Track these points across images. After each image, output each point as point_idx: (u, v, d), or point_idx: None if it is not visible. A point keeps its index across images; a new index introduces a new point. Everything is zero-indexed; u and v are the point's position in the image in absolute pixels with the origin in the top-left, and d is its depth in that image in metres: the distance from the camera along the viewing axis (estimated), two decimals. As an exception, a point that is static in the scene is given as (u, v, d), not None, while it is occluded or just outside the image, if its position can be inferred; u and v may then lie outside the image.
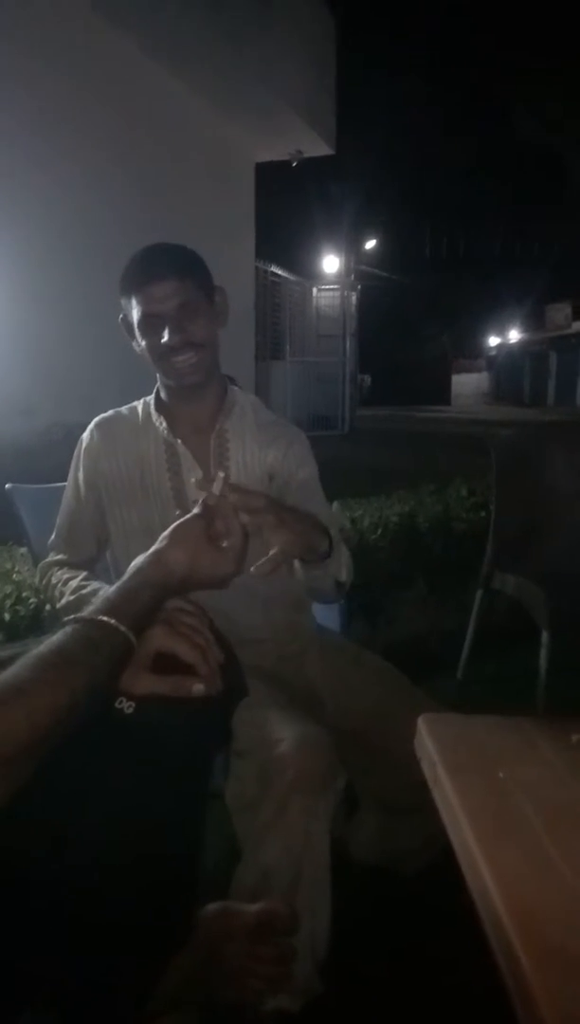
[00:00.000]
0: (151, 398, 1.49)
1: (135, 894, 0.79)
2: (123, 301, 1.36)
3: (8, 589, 2.16)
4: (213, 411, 1.46)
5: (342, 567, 1.31)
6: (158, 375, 1.43)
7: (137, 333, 1.35)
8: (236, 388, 1.51)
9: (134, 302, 1.32)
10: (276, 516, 1.02)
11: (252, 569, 1.01)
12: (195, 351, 1.34)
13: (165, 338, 1.31)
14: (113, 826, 0.77)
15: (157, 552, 0.89)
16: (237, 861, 1.18)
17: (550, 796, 0.81)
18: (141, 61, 6.38)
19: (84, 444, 1.48)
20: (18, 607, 2.09)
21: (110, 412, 1.50)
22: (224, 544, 0.94)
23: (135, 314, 1.33)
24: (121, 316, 1.38)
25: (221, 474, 1.01)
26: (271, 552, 1.03)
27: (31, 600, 2.11)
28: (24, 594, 2.14)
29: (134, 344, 1.38)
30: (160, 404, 1.47)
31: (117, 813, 0.77)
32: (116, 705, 0.78)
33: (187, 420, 1.45)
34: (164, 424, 1.43)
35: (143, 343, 1.35)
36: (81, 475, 1.47)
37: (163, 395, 1.47)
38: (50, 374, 5.24)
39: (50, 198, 5.34)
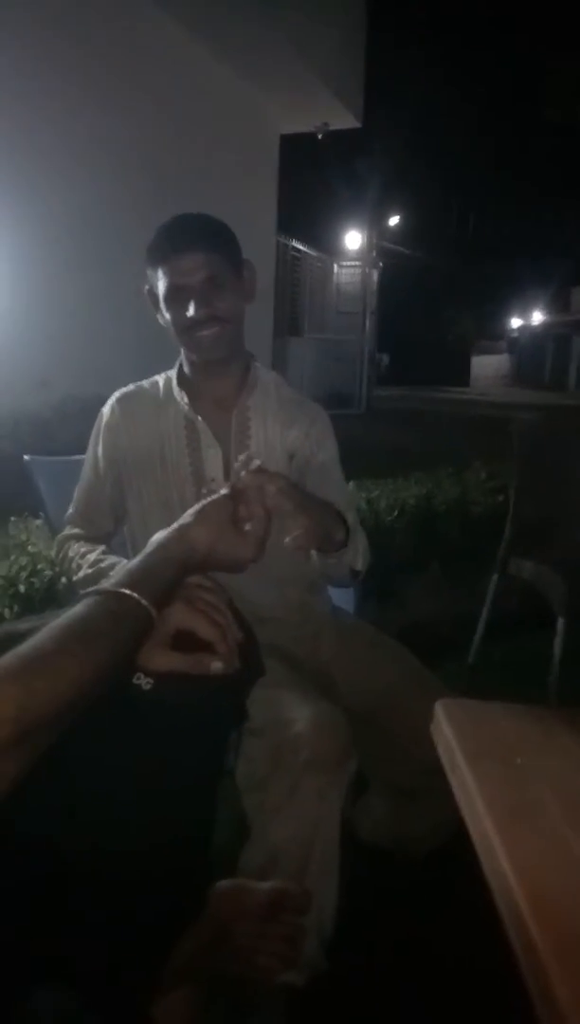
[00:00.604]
0: (173, 372, 1.47)
1: (147, 870, 0.79)
2: (149, 272, 1.34)
3: (23, 561, 2.17)
4: (236, 388, 1.45)
5: (358, 556, 1.30)
6: (182, 349, 1.42)
7: (162, 305, 1.33)
8: (258, 365, 1.49)
9: (160, 273, 1.30)
10: (295, 503, 1.01)
11: (286, 541, 1.01)
12: (220, 325, 1.32)
13: (190, 311, 1.29)
14: (127, 801, 0.77)
15: (181, 528, 0.88)
16: (245, 839, 1.18)
17: (569, 785, 0.81)
18: (168, 28, 6.29)
19: (104, 418, 1.47)
20: (33, 579, 2.10)
21: (131, 386, 1.49)
22: (246, 528, 0.92)
23: (161, 285, 1.31)
24: (146, 287, 1.36)
25: (243, 456, 1.00)
26: (287, 540, 1.03)
27: (46, 572, 2.12)
28: (39, 566, 2.15)
29: (159, 316, 1.37)
30: (182, 379, 1.45)
31: (131, 788, 0.77)
32: (134, 680, 0.78)
33: (209, 396, 1.44)
34: (185, 399, 1.42)
35: (168, 315, 1.33)
36: (100, 449, 1.46)
37: (186, 369, 1.45)
38: (66, 346, 5.22)
39: (68, 168, 5.30)
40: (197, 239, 1.29)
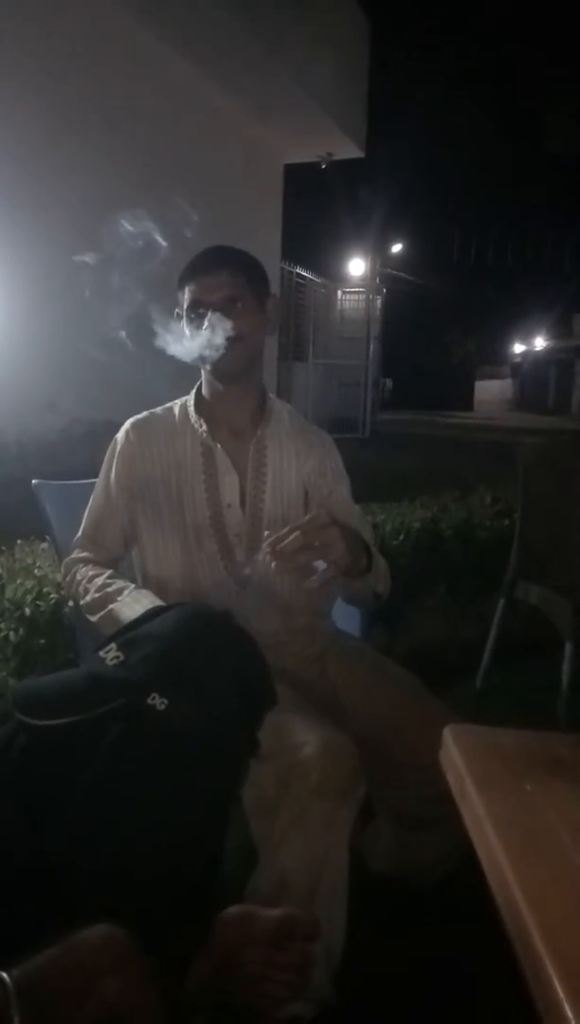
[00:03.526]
0: (190, 398, 1.49)
1: (155, 895, 0.78)
2: (178, 296, 1.40)
3: (29, 584, 2.17)
4: (253, 417, 1.48)
5: (380, 579, 1.32)
6: (202, 371, 1.45)
7: (184, 323, 1.38)
8: (272, 396, 1.52)
9: (186, 292, 1.37)
10: (339, 530, 1.07)
11: (305, 584, 1.07)
12: (235, 342, 1.35)
13: (205, 326, 1.33)
14: (136, 825, 0.77)
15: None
16: (252, 865, 1.17)
17: (578, 812, 0.80)
18: (174, 61, 6.41)
19: (119, 444, 1.48)
20: (39, 602, 2.10)
21: (145, 413, 1.51)
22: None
23: (185, 304, 1.37)
24: (176, 311, 1.41)
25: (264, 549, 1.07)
26: (322, 567, 1.06)
27: (52, 596, 2.12)
28: (45, 589, 2.15)
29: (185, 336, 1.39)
30: (200, 405, 1.47)
31: (141, 812, 0.77)
32: (148, 701, 0.78)
33: (226, 424, 1.46)
34: (204, 426, 1.44)
35: (187, 331, 1.36)
36: (114, 475, 1.47)
37: (205, 392, 1.47)
38: (73, 371, 5.26)
39: (74, 195, 5.37)
40: (222, 263, 1.37)
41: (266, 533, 1.08)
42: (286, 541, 1.05)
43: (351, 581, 1.26)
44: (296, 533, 1.06)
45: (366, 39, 9.21)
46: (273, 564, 1.04)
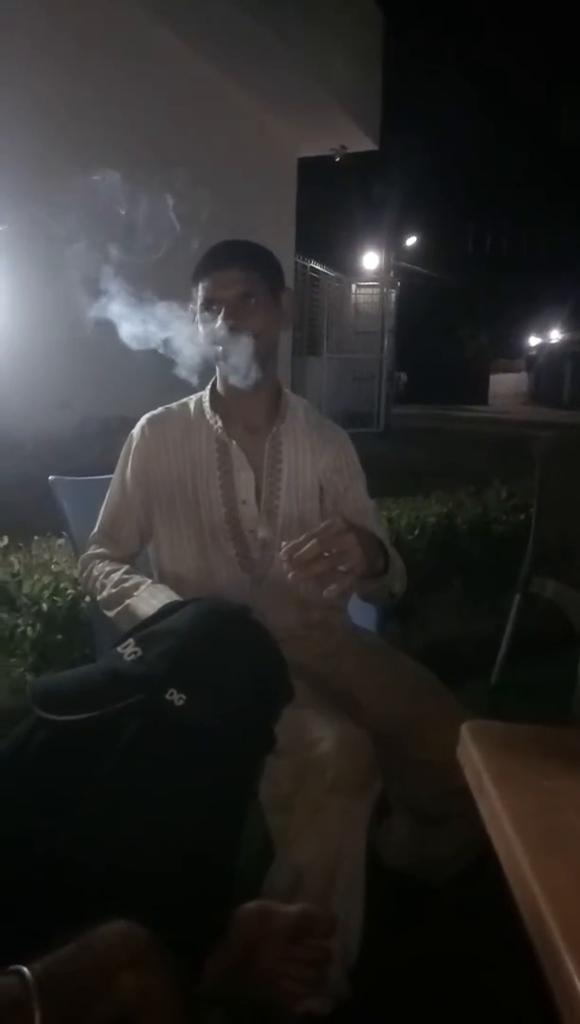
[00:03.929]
0: (205, 394, 1.49)
1: (172, 891, 0.78)
2: (193, 291, 1.39)
3: (47, 580, 2.18)
4: (267, 413, 1.47)
5: (396, 579, 1.32)
6: (216, 367, 1.44)
7: (198, 319, 1.37)
8: (288, 391, 1.51)
9: (200, 288, 1.37)
10: (355, 536, 1.07)
11: (324, 593, 1.06)
12: (248, 338, 1.34)
13: (219, 323, 1.32)
14: (153, 820, 0.77)
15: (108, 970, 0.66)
16: (269, 860, 1.18)
17: (599, 810, 0.79)
18: (187, 54, 6.41)
19: (135, 440, 1.48)
20: (56, 598, 2.11)
21: (160, 409, 1.51)
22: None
23: (199, 300, 1.37)
24: (190, 306, 1.40)
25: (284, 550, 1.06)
26: (342, 571, 1.06)
27: (69, 591, 2.13)
28: (62, 585, 2.17)
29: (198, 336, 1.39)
30: (215, 401, 1.47)
31: (158, 806, 0.77)
32: (166, 696, 0.78)
33: (241, 420, 1.46)
34: (219, 423, 1.44)
35: (202, 329, 1.36)
36: (130, 470, 1.48)
37: (219, 388, 1.47)
38: (86, 368, 5.29)
39: (86, 189, 5.38)
40: (235, 257, 1.36)
41: (282, 544, 1.06)
42: (303, 550, 1.04)
43: (367, 582, 1.25)
44: (313, 541, 1.05)
45: (380, 31, 9.16)
46: (290, 574, 1.04)
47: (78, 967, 0.64)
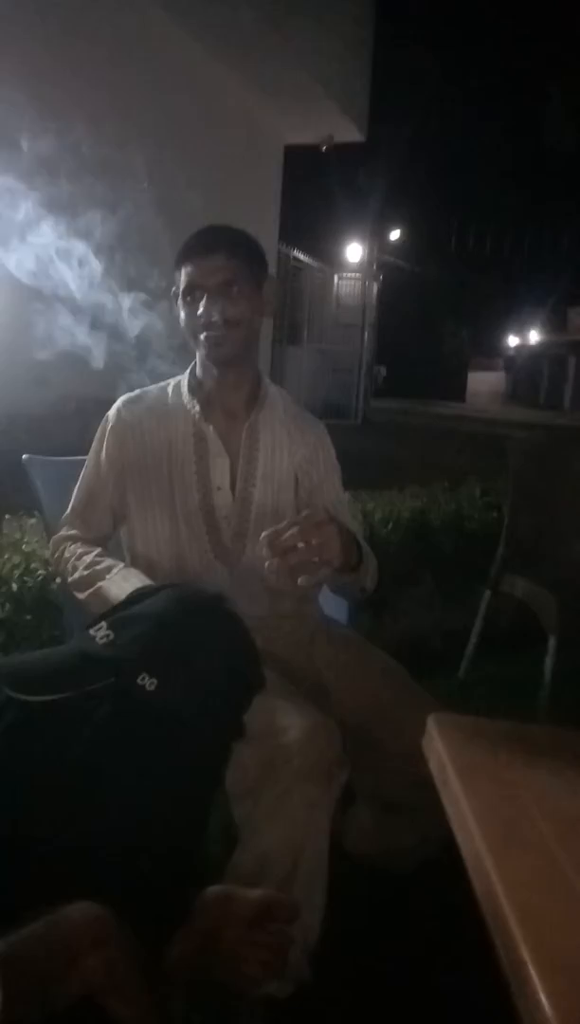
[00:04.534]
0: (184, 378, 1.48)
1: (136, 873, 0.79)
2: (176, 274, 1.39)
3: (17, 560, 2.16)
4: (246, 400, 1.47)
5: (368, 576, 1.33)
6: (197, 353, 1.44)
7: (179, 303, 1.37)
8: (267, 380, 1.51)
9: (183, 273, 1.36)
10: (336, 528, 1.08)
11: (299, 581, 1.05)
12: (229, 327, 1.34)
13: (201, 311, 1.31)
14: (120, 803, 0.77)
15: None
16: (232, 846, 1.18)
17: (560, 806, 0.81)
18: (174, 37, 6.33)
19: (111, 422, 1.47)
20: (26, 578, 2.10)
21: (137, 391, 1.50)
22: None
23: (181, 285, 1.36)
24: (173, 289, 1.40)
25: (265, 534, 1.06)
26: (317, 562, 1.07)
27: (39, 572, 2.11)
28: (32, 565, 2.15)
29: (181, 318, 1.40)
30: (193, 386, 1.47)
31: (125, 789, 0.77)
32: (138, 681, 0.78)
33: (219, 406, 1.45)
34: (197, 408, 1.43)
35: (183, 314, 1.35)
36: (105, 452, 1.47)
37: (199, 372, 1.47)
38: (64, 346, 5.22)
39: (70, 171, 5.30)
40: (218, 244, 1.34)
41: (264, 534, 1.06)
42: (285, 536, 1.04)
43: (340, 575, 1.26)
44: (294, 529, 1.05)
45: (371, 22, 9.12)
46: (272, 562, 1.04)
47: (43, 947, 0.64)
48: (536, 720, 2.08)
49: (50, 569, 2.01)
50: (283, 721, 1.19)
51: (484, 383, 39.54)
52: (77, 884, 0.74)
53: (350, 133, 9.32)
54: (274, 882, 1.10)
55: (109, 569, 1.35)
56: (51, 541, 1.52)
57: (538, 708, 2.13)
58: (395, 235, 20.63)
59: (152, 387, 1.51)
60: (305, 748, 1.14)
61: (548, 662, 2.15)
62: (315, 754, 1.14)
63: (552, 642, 2.15)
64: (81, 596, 1.37)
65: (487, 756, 0.90)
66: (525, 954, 0.60)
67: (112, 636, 0.85)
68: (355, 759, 1.25)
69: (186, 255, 1.36)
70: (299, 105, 8.16)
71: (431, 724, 0.96)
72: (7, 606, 2.02)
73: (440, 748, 0.90)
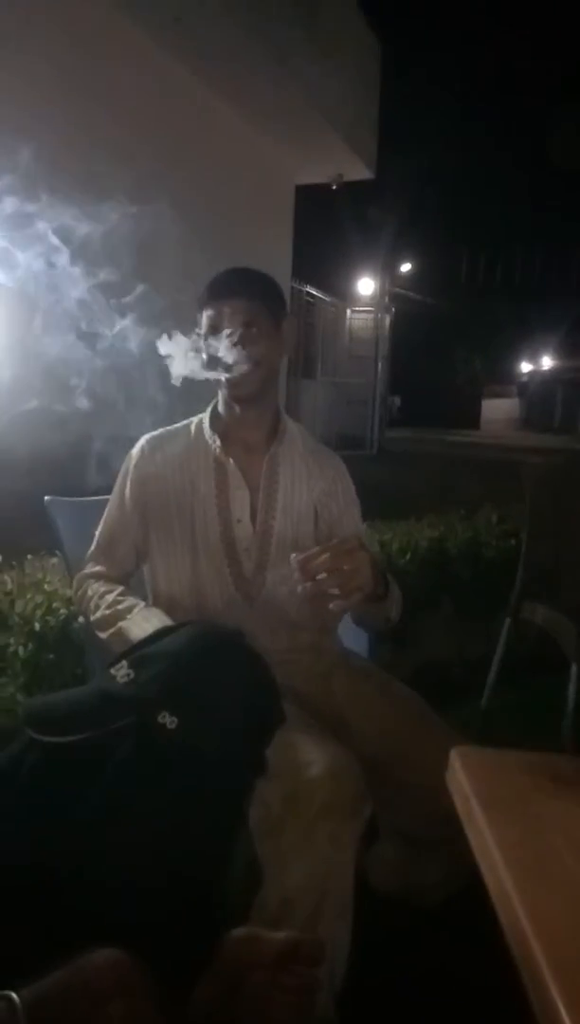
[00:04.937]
0: (205, 416, 1.51)
1: (159, 914, 0.78)
2: (198, 317, 1.43)
3: (39, 599, 2.18)
4: (268, 435, 1.50)
5: (394, 606, 1.33)
6: (219, 391, 1.47)
7: (202, 345, 1.41)
8: (286, 416, 1.54)
9: (205, 315, 1.40)
10: (368, 555, 1.10)
11: (330, 606, 1.07)
12: (250, 366, 1.38)
13: (221, 351, 1.35)
14: (141, 843, 0.77)
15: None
16: (256, 885, 1.17)
17: (585, 836, 0.80)
18: (185, 78, 6.49)
19: (134, 459, 1.50)
20: (48, 617, 2.11)
21: (160, 430, 1.53)
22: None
23: (203, 327, 1.40)
24: (197, 331, 1.43)
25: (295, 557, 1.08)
26: (333, 604, 1.09)
27: (61, 611, 2.13)
28: (54, 604, 2.16)
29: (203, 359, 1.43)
30: (215, 422, 1.50)
31: (147, 829, 0.77)
32: (159, 720, 0.78)
33: (240, 441, 1.48)
34: (218, 442, 1.46)
35: (204, 355, 1.39)
36: (128, 490, 1.49)
37: (221, 410, 1.49)
38: (84, 389, 5.30)
39: (84, 213, 5.43)
40: (239, 287, 1.39)
41: (294, 555, 1.08)
42: (317, 561, 1.06)
43: (367, 605, 1.27)
44: (326, 555, 1.06)
45: (377, 60, 9.31)
46: (305, 586, 1.05)
47: (67, 994, 0.64)
48: (561, 748, 2.05)
49: (72, 608, 2.03)
50: (305, 756, 1.18)
51: (498, 410, 39.48)
52: (100, 924, 0.74)
53: (359, 171, 9.49)
54: (300, 921, 1.09)
55: (130, 609, 1.36)
56: (75, 578, 1.54)
57: (562, 736, 2.10)
58: (406, 267, 20.84)
59: (174, 426, 1.54)
60: (329, 784, 1.13)
61: (571, 689, 2.13)
62: (339, 789, 1.13)
63: (575, 669, 2.13)
64: (103, 635, 1.38)
65: (511, 789, 0.89)
66: (554, 992, 0.59)
67: (133, 675, 0.86)
68: (377, 793, 1.24)
69: (208, 297, 1.40)
70: (308, 146, 8.33)
71: (454, 757, 0.95)
72: (30, 645, 2.04)
73: (464, 782, 0.90)
